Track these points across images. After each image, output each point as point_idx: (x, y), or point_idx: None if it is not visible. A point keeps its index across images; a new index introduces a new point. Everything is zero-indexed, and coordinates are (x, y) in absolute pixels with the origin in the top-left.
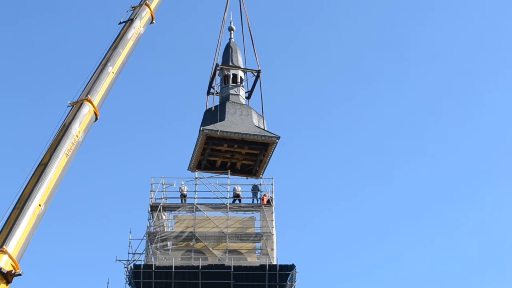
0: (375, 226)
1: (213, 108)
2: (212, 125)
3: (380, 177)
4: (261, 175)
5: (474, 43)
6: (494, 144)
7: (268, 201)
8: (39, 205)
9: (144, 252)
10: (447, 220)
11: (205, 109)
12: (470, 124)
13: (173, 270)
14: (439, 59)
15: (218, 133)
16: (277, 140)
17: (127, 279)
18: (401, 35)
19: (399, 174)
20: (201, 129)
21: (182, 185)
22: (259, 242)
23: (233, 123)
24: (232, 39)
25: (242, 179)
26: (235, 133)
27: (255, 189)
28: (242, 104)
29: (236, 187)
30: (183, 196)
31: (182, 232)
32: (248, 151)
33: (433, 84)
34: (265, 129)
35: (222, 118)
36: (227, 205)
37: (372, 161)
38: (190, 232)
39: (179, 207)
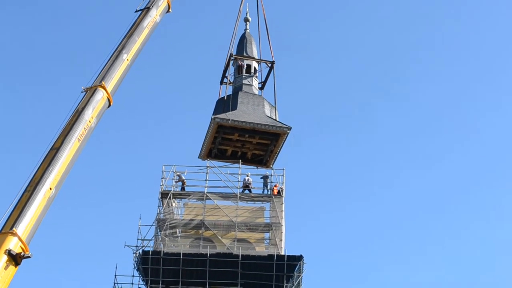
0: (385, 220)
1: (225, 97)
2: (223, 114)
3: (392, 172)
4: (271, 166)
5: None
6: None
7: (279, 192)
8: (50, 188)
9: (153, 238)
10: (460, 220)
11: (217, 98)
12: (482, 127)
13: (181, 257)
14: (462, 60)
15: (230, 122)
16: (288, 131)
17: (135, 265)
18: (421, 34)
19: (412, 170)
20: (213, 117)
21: (179, 174)
22: (268, 232)
23: (245, 113)
24: (248, 30)
25: (253, 169)
26: (246, 122)
27: (266, 179)
28: (254, 94)
29: (247, 177)
30: (181, 181)
31: (191, 220)
32: (259, 141)
33: (456, 82)
34: (277, 120)
35: (234, 108)
36: (237, 195)
37: (384, 156)
38: (200, 220)
39: (189, 195)
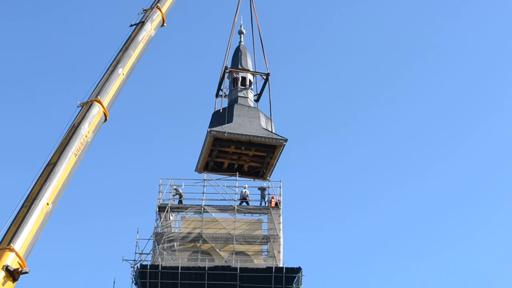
0: (383, 231)
1: (221, 110)
2: (219, 126)
3: (390, 180)
4: (268, 178)
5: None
6: None
7: (276, 204)
8: (47, 204)
9: (151, 252)
10: (461, 230)
11: (213, 111)
12: (482, 133)
13: (179, 270)
14: (461, 63)
15: (226, 134)
16: (284, 143)
17: (133, 279)
18: (415, 42)
19: (410, 178)
20: (209, 130)
21: (177, 187)
22: (266, 244)
23: (240, 125)
24: (242, 42)
25: (250, 181)
26: (242, 135)
27: (263, 191)
28: (250, 106)
29: (244, 189)
30: (178, 195)
31: (189, 233)
32: (255, 153)
33: (453, 87)
34: (273, 131)
35: (230, 120)
36: (234, 207)
37: (380, 166)
38: (198, 233)
39: (186, 208)
